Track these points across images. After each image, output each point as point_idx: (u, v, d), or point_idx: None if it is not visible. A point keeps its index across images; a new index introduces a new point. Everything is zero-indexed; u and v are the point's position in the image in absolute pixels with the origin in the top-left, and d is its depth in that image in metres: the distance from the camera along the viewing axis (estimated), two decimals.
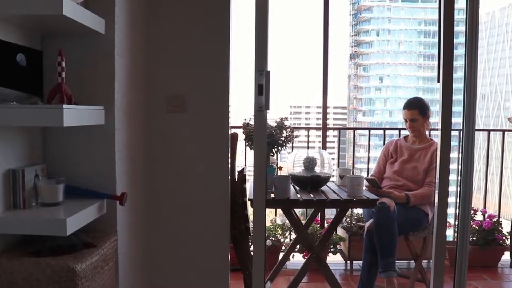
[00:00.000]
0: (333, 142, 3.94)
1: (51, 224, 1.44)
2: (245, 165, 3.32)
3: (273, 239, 3.48)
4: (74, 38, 1.71)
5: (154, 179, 2.21)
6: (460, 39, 2.02)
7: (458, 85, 2.00)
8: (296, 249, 3.36)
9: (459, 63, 1.99)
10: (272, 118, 2.74)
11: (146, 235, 2.20)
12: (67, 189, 1.63)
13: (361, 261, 2.90)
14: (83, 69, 1.73)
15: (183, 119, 2.19)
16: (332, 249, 3.52)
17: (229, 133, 2.22)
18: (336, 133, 4.18)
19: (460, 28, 2.00)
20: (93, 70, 1.74)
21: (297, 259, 3.43)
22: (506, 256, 3.60)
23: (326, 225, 3.65)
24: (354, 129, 4.25)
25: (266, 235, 3.44)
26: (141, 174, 2.13)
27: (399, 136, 3.40)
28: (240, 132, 2.47)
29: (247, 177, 2.43)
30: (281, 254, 3.25)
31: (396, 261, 2.74)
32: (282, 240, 3.53)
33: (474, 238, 3.56)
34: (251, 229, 2.24)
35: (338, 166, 3.38)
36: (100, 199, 1.70)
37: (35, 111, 1.41)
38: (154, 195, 2.21)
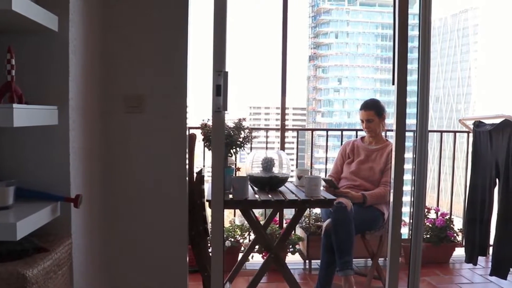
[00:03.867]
0: (293, 143, 3.97)
1: (0, 229, 1.39)
2: (203, 166, 3.30)
3: (232, 240, 3.47)
4: (26, 35, 1.65)
5: (111, 181, 2.16)
6: (414, 43, 2.07)
7: (414, 87, 2.05)
8: (255, 249, 3.37)
9: (414, 66, 2.05)
10: (231, 118, 2.75)
11: (103, 238, 2.15)
12: (18, 192, 1.57)
13: (320, 261, 2.94)
14: (35, 67, 1.67)
15: (141, 120, 2.15)
16: (291, 249, 3.55)
17: (187, 134, 2.20)
18: (295, 134, 4.22)
19: (414, 32, 2.06)
20: (46, 69, 1.68)
21: (256, 259, 3.44)
22: (457, 252, 3.75)
23: (285, 225, 3.68)
24: (312, 130, 4.30)
25: (225, 236, 3.43)
26: (98, 176, 2.08)
27: (356, 137, 3.46)
28: (198, 133, 2.46)
29: (205, 178, 2.42)
30: (241, 255, 3.25)
31: (353, 259, 2.80)
32: (241, 240, 3.53)
33: (428, 236, 3.68)
34: (210, 230, 2.23)
35: (297, 167, 3.42)
36: (54, 202, 1.65)
37: None
38: (110, 196, 2.17)
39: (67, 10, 1.67)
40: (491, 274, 3.10)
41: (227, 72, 1.80)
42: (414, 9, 2.03)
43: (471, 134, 3.41)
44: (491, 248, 3.18)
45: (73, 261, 1.73)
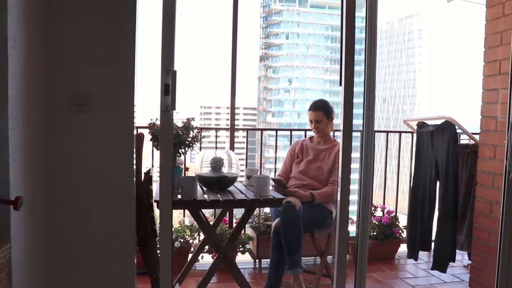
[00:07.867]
0: (243, 142, 3.98)
1: None
2: (152, 166, 3.25)
3: (182, 240, 3.44)
4: None
5: (55, 181, 2.08)
6: (362, 45, 2.12)
7: (361, 88, 2.10)
8: (205, 249, 3.35)
9: (362, 68, 2.09)
10: (180, 118, 2.71)
11: (46, 241, 2.07)
12: None
13: (269, 260, 2.95)
14: None
15: (87, 119, 2.09)
16: (241, 249, 3.55)
17: (135, 133, 2.16)
18: (246, 133, 4.24)
19: (362, 35, 2.10)
20: None
21: (206, 259, 3.42)
22: (402, 248, 3.87)
23: (235, 225, 3.67)
24: (262, 129, 4.34)
25: (175, 236, 3.39)
26: (41, 176, 2.00)
27: (305, 137, 3.51)
28: (146, 132, 2.42)
29: (154, 178, 2.38)
30: (191, 256, 3.22)
31: (302, 257, 2.83)
32: (191, 241, 3.50)
33: (375, 233, 3.78)
34: (158, 231, 2.19)
35: (246, 167, 3.41)
36: None
37: None
38: (55, 198, 2.09)
39: (5, 3, 1.59)
40: (432, 268, 3.23)
41: (175, 71, 1.78)
42: (362, 12, 2.07)
43: (415, 135, 3.53)
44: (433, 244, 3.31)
45: (12, 267, 1.65)
